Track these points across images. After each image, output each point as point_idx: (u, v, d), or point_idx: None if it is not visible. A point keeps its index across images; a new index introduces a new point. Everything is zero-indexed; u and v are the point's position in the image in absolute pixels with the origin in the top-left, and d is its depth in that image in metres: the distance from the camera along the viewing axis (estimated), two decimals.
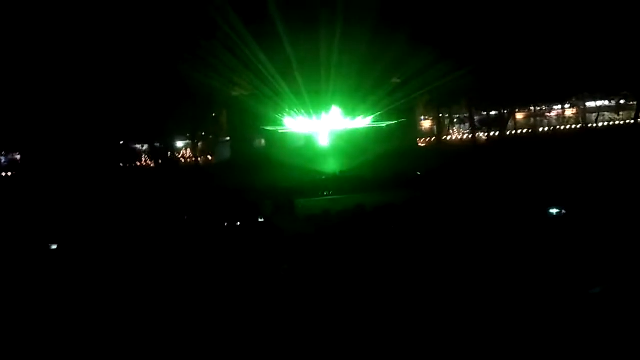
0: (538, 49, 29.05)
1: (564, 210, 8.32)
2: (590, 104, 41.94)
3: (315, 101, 28.31)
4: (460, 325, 4.10)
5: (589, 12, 28.56)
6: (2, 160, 37.86)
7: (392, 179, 20.04)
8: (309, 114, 28.84)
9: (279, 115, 28.66)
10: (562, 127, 40.73)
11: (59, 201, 16.74)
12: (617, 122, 40.61)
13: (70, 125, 28.83)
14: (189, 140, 38.45)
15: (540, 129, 40.66)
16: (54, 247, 7.20)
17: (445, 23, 27.86)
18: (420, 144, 35.81)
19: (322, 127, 29.06)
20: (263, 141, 30.76)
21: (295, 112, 28.65)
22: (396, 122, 29.64)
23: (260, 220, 8.74)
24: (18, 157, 36.00)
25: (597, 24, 28.75)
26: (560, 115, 43.34)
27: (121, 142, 35.87)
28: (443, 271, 5.79)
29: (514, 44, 28.67)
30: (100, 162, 29.90)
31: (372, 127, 29.61)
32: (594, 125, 40.49)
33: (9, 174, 35.46)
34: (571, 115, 43.02)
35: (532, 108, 42.28)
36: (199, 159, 37.28)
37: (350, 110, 29.11)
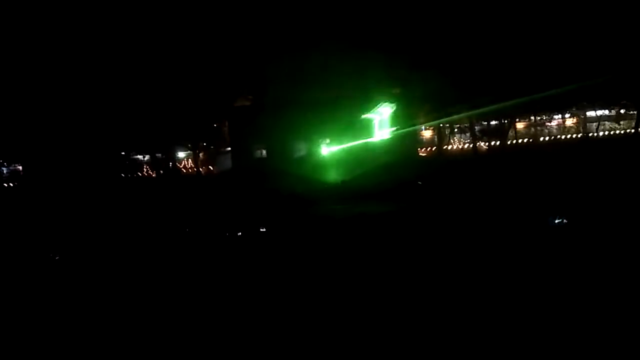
0: (538, 58, 29.16)
1: (565, 219, 8.31)
2: (591, 114, 42.08)
3: (316, 112, 28.37)
4: (461, 334, 4.10)
5: (589, 21, 28.71)
6: (4, 171, 37.97)
7: (393, 188, 20.04)
8: (311, 124, 28.92)
9: (282, 125, 28.67)
10: (563, 137, 40.82)
11: (61, 211, 16.77)
12: (617, 132, 40.71)
13: (72, 136, 28.92)
14: (191, 150, 38.56)
15: (541, 139, 40.76)
16: (57, 257, 7.21)
17: (445, 33, 28.00)
18: (421, 154, 35.84)
19: (325, 138, 29.14)
20: (264, 152, 30.78)
21: (297, 122, 28.70)
22: (397, 132, 29.69)
23: (262, 230, 8.73)
24: (20, 167, 36.12)
25: (597, 33, 28.89)
26: (560, 124, 43.49)
27: (122, 153, 35.99)
28: (444, 279, 5.80)
29: (514, 53, 28.78)
30: (101, 173, 29.95)
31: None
32: (595, 134, 40.59)
33: (11, 184, 35.56)
34: (572, 125, 43.17)
35: (532, 117, 42.40)
36: (201, 169, 37.35)
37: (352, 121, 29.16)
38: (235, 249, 7.23)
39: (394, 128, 29.80)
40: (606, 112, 42.05)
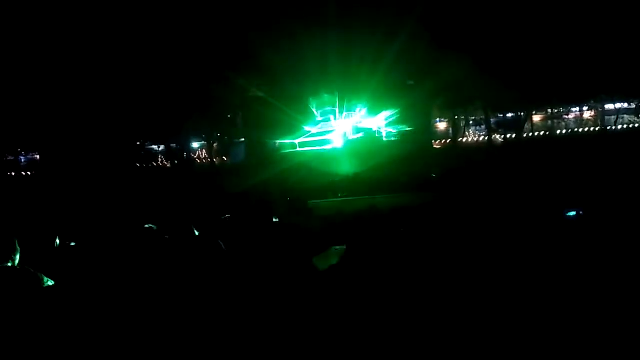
0: (555, 49, 28.73)
1: (582, 212, 8.18)
2: (609, 107, 41.35)
3: (330, 103, 28.33)
4: (471, 332, 4.06)
5: (608, 12, 28.17)
6: (22, 160, 38.57)
7: (406, 181, 19.92)
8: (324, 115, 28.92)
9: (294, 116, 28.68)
10: (580, 130, 40.20)
11: (77, 200, 16.95)
12: (636, 125, 39.98)
13: (89, 126, 29.24)
14: (205, 141, 38.77)
15: (558, 132, 40.22)
16: (73, 244, 7.30)
17: (461, 24, 27.69)
18: (435, 146, 35.61)
19: (337, 129, 29.10)
20: (278, 142, 30.84)
21: (309, 114, 28.70)
22: (411, 123, 29.53)
23: (274, 220, 8.76)
24: (37, 157, 36.66)
25: (616, 24, 28.35)
26: (578, 117, 42.82)
27: (138, 143, 36.33)
28: (456, 274, 5.75)
29: (531, 44, 28.39)
30: (117, 162, 30.28)
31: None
32: (613, 127, 39.90)
33: (29, 173, 36.13)
34: (589, 118, 42.46)
35: (549, 110, 41.83)
36: (215, 159, 37.56)
37: (366, 112, 29.08)
38: (247, 240, 7.25)
39: (408, 120, 29.62)
40: (625, 105, 41.30)
